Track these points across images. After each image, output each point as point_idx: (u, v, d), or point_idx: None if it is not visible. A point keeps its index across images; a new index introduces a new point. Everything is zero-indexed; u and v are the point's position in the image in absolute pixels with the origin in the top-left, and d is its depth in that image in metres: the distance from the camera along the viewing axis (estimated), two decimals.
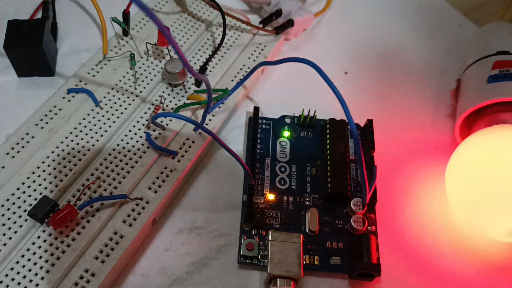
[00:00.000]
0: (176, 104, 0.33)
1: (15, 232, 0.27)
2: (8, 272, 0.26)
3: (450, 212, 0.32)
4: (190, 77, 0.34)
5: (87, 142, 0.31)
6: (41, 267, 0.26)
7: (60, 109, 0.32)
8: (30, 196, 0.28)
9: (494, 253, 0.31)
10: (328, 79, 0.26)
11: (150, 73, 0.34)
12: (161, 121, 0.32)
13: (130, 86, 0.33)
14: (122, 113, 0.32)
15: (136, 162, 0.30)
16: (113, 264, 0.27)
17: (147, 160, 0.31)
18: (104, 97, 0.32)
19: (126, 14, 0.34)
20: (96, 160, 0.30)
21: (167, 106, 0.33)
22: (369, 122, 0.33)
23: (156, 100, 0.33)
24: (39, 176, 0.29)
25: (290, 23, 0.37)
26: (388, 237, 0.31)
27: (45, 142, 0.30)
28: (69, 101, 0.32)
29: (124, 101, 0.33)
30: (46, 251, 0.27)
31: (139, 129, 0.32)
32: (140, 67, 0.34)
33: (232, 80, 0.35)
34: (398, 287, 0.30)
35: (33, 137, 0.30)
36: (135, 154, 0.31)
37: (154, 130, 0.32)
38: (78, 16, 0.38)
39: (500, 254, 0.31)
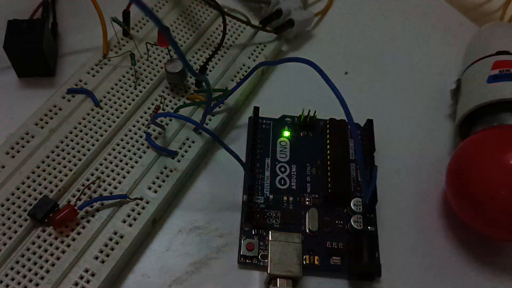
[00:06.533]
0: (176, 104, 0.33)
1: (15, 232, 0.27)
2: (8, 271, 0.26)
3: (450, 212, 0.32)
4: (190, 77, 0.34)
5: (87, 142, 0.31)
6: (41, 267, 0.26)
7: (60, 109, 0.32)
8: (30, 196, 0.28)
9: (494, 253, 0.31)
10: (328, 79, 0.26)
11: (150, 73, 0.34)
12: (161, 121, 0.32)
13: (130, 86, 0.33)
14: (122, 113, 0.32)
15: (136, 162, 0.30)
16: (113, 264, 0.27)
17: (147, 160, 0.31)
18: (104, 97, 0.32)
19: (126, 14, 0.34)
20: (96, 160, 0.30)
21: (167, 106, 0.33)
22: (369, 122, 0.33)
23: (156, 100, 0.33)
24: (39, 176, 0.29)
25: (290, 23, 0.37)
26: (388, 237, 0.31)
27: (45, 142, 0.30)
28: (69, 101, 0.32)
29: (124, 101, 0.33)
30: (46, 251, 0.27)
31: (139, 129, 0.32)
32: (140, 67, 0.34)
33: (232, 80, 0.35)
34: (398, 287, 0.30)
35: (33, 137, 0.30)
36: (135, 154, 0.31)
37: (154, 130, 0.32)
38: (78, 16, 0.38)
39: (500, 254, 0.31)
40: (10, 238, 0.27)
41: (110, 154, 0.30)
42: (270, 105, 0.35)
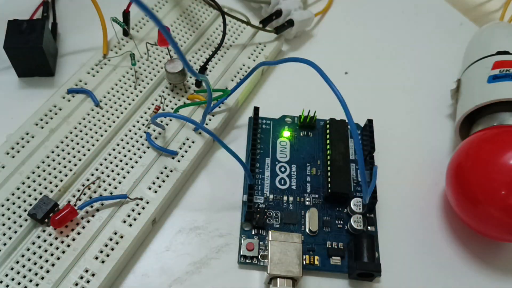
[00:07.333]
0: (176, 104, 0.33)
1: (15, 232, 0.27)
2: (8, 271, 0.26)
3: (450, 212, 0.32)
4: (190, 77, 0.34)
5: (87, 142, 0.31)
6: (41, 267, 0.26)
7: (60, 109, 0.32)
8: (30, 196, 0.28)
9: (495, 254, 0.31)
10: (328, 79, 0.26)
11: (150, 73, 0.34)
12: (161, 121, 0.32)
13: (130, 86, 0.33)
14: (122, 113, 0.32)
15: (136, 162, 0.30)
16: (113, 264, 0.27)
17: (147, 160, 0.31)
18: (104, 97, 0.32)
19: (126, 14, 0.34)
20: (96, 160, 0.30)
21: (167, 106, 0.33)
22: (369, 122, 0.33)
23: (156, 100, 0.33)
24: (39, 176, 0.29)
25: (290, 23, 0.37)
26: (388, 237, 0.31)
27: (45, 142, 0.30)
28: (69, 101, 0.32)
29: (124, 101, 0.33)
30: (46, 251, 0.27)
31: (139, 129, 0.32)
32: (140, 67, 0.34)
33: (232, 80, 0.35)
34: (398, 287, 0.30)
35: (33, 136, 0.30)
36: (135, 154, 0.31)
37: (154, 130, 0.32)
38: (78, 16, 0.38)
39: (501, 255, 0.31)
40: (10, 238, 0.27)
41: (110, 154, 0.30)
42: (270, 105, 0.35)
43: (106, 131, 0.31)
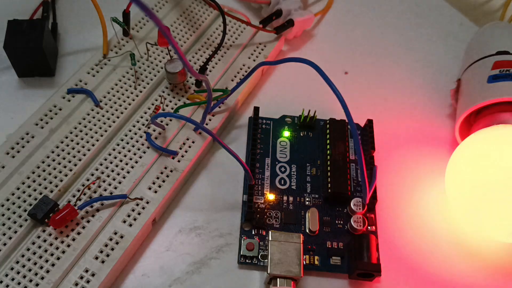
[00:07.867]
0: (176, 104, 0.33)
1: (15, 232, 0.27)
2: (8, 272, 0.26)
3: (450, 212, 0.32)
4: (190, 77, 0.34)
5: (87, 142, 0.31)
6: (41, 267, 0.26)
7: (60, 109, 0.32)
8: (30, 196, 0.28)
9: (494, 254, 0.31)
10: (328, 79, 0.26)
11: (150, 73, 0.34)
12: (161, 121, 0.32)
13: (130, 86, 0.33)
14: (122, 113, 0.32)
15: (136, 162, 0.30)
16: (113, 264, 0.27)
17: (147, 160, 0.31)
18: (104, 97, 0.32)
19: (126, 14, 0.34)
20: (96, 160, 0.30)
21: (167, 106, 0.33)
22: (369, 122, 0.33)
23: (156, 100, 0.33)
24: (39, 176, 0.29)
25: (290, 23, 0.37)
26: (388, 237, 0.31)
27: (45, 142, 0.30)
28: (69, 101, 0.32)
29: (124, 101, 0.33)
30: (46, 251, 0.27)
31: (139, 129, 0.32)
32: (140, 67, 0.34)
33: (232, 80, 0.35)
34: (398, 287, 0.30)
35: (33, 136, 0.30)
36: (135, 154, 0.31)
37: (154, 130, 0.32)
38: (78, 16, 0.38)
39: (500, 254, 0.31)
40: (10, 238, 0.27)
41: (110, 154, 0.30)
42: (270, 105, 0.35)
43: (106, 131, 0.31)
